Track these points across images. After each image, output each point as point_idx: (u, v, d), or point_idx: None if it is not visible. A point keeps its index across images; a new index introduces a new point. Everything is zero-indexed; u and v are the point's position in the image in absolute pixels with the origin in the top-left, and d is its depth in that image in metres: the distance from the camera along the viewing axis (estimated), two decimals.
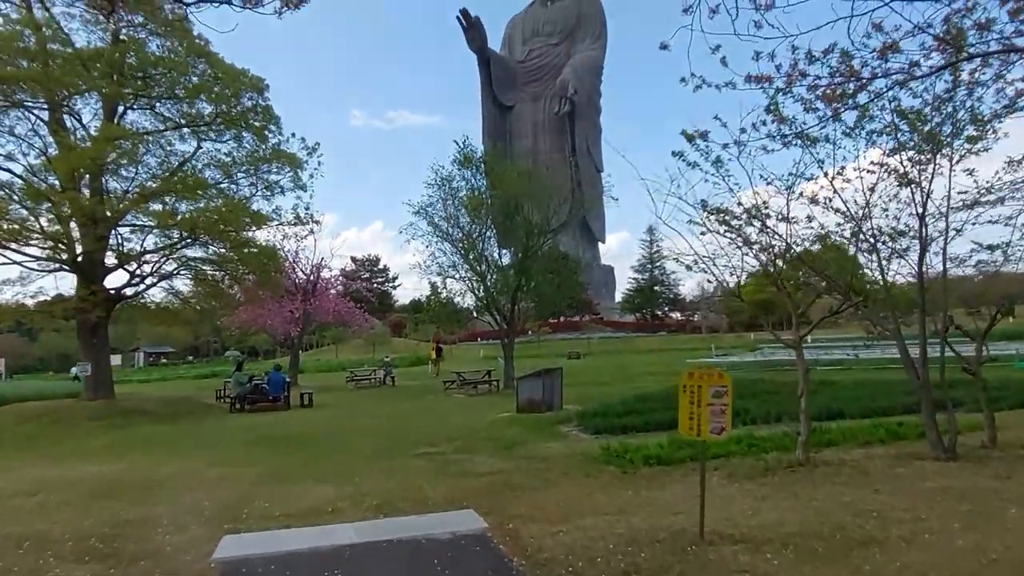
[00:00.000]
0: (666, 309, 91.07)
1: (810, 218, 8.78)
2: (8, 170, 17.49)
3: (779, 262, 8.93)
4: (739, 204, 8.47)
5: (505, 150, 59.61)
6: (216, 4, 6.44)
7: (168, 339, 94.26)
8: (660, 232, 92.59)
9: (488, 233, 23.71)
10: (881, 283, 9.02)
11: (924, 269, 8.65)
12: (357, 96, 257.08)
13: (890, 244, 8.91)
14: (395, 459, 10.39)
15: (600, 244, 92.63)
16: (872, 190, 8.62)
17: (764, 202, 8.44)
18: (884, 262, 8.91)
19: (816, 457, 8.64)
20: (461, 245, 23.43)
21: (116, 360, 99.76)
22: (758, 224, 8.46)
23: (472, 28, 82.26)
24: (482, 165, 23.69)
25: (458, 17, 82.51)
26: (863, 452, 9.19)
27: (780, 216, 8.40)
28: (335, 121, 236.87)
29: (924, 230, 8.49)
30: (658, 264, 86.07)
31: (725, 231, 8.70)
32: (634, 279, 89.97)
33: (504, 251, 25.43)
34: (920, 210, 8.45)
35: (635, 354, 58.09)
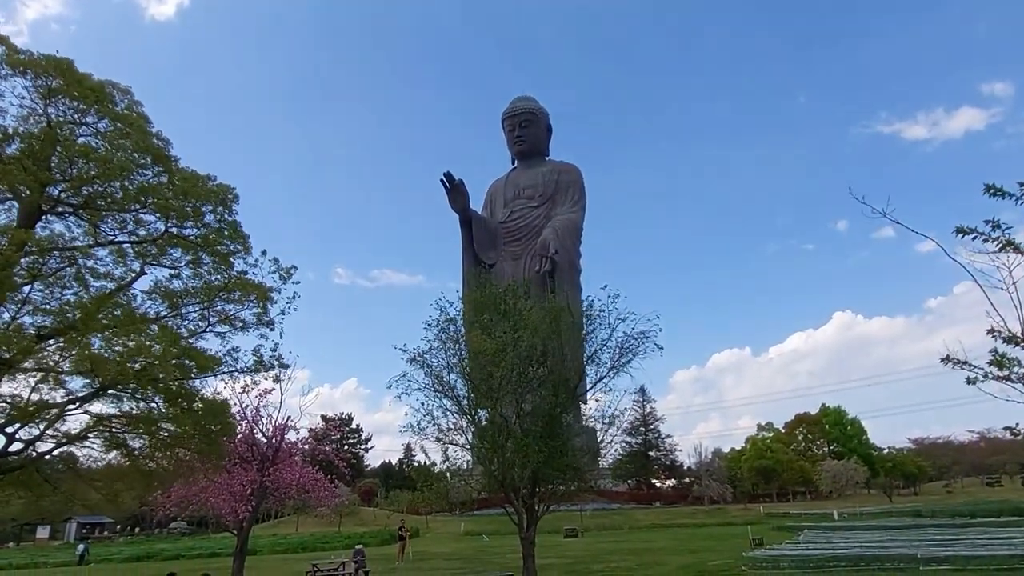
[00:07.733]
0: (663, 476, 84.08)
1: None
2: None
3: None
4: None
5: None
6: None
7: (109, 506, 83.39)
8: (651, 392, 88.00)
9: (501, 391, 18.73)
10: None
11: None
12: (343, 254, 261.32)
13: None
14: None
15: (582, 405, 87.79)
16: None
17: None
18: None
19: None
20: (467, 403, 18.74)
21: (44, 533, 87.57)
22: None
23: (455, 189, 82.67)
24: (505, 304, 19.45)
25: (442, 180, 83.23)
26: None
27: None
28: (318, 278, 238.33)
29: None
30: (652, 427, 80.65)
31: None
32: (626, 443, 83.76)
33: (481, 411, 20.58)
34: None
35: (641, 531, 51.24)
